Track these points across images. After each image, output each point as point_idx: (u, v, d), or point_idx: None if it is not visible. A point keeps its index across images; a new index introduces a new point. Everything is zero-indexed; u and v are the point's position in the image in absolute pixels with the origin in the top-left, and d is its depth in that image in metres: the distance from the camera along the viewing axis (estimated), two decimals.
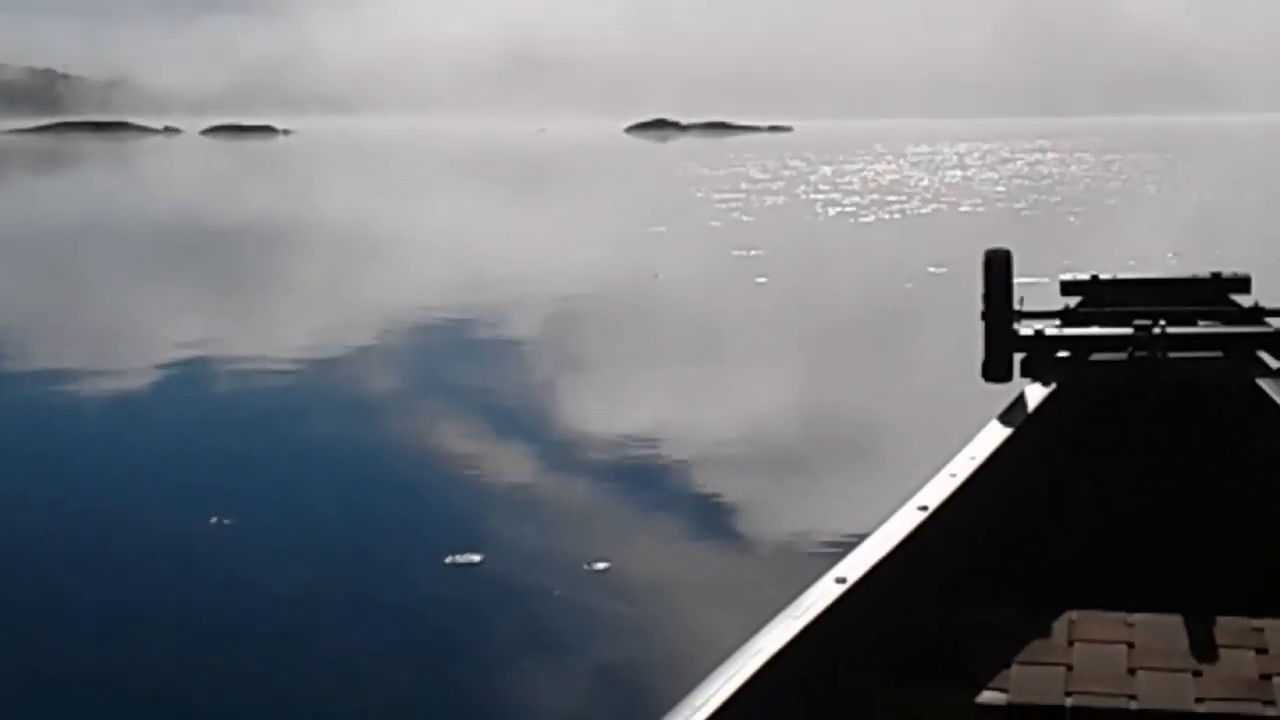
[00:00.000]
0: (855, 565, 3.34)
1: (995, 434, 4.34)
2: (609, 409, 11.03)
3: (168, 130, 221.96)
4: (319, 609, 6.65)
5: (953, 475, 3.97)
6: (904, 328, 16.04)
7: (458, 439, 10.19)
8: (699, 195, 44.50)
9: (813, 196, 43.45)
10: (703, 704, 2.63)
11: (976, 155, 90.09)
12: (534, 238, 29.67)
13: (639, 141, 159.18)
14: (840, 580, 3.24)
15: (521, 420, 10.69)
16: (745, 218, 33.98)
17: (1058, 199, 40.85)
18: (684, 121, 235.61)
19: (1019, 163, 74.33)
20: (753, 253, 24.11)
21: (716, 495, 8.37)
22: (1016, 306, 4.79)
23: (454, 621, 6.38)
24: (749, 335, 15.62)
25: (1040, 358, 4.81)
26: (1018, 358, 4.80)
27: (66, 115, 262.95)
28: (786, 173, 63.96)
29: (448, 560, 7.09)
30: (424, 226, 33.68)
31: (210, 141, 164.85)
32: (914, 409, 10.89)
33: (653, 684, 5.52)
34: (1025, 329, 4.84)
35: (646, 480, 8.75)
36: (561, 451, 9.62)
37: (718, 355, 14.17)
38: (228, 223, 36.45)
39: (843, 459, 9.41)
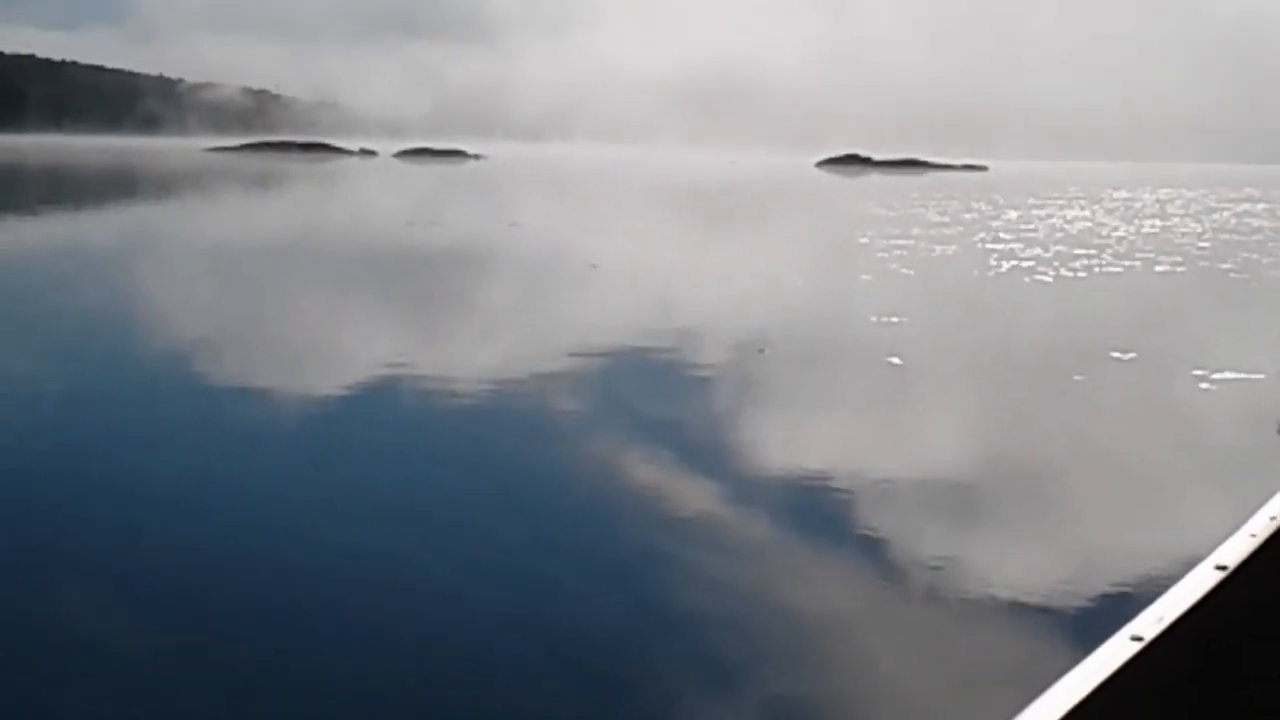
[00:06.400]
0: (1151, 623, 3.19)
1: None
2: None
3: (363, 152, 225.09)
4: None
5: (1252, 535, 3.82)
6: (1057, 443, 12.38)
7: None
8: (863, 241, 40.63)
9: (989, 246, 39.26)
10: None
11: (1179, 203, 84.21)
12: (657, 287, 26.25)
13: (828, 177, 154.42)
14: (1136, 638, 3.11)
15: None
16: (904, 270, 30.13)
17: (1269, 259, 36.09)
18: (876, 157, 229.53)
19: (1225, 214, 68.60)
20: (894, 319, 20.44)
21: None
22: None
23: None
24: (849, 441, 12.11)
25: None
26: None
27: (273, 135, 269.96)
28: (968, 216, 59.63)
29: None
30: (552, 262, 30.57)
31: (401, 164, 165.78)
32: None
33: None
34: None
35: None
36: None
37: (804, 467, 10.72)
38: (387, 244, 35.33)
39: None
